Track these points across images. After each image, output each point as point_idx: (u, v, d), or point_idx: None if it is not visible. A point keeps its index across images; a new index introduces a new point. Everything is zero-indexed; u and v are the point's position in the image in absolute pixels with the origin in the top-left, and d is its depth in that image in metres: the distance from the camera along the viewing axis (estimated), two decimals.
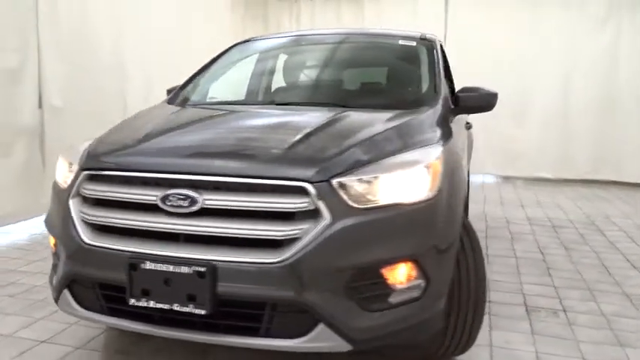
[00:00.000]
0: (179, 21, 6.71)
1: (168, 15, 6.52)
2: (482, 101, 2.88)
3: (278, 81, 3.28)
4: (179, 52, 6.36)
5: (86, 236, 1.95)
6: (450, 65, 3.87)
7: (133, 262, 1.82)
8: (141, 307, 1.84)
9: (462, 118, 3.60)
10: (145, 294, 1.83)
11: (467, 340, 2.25)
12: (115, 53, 5.57)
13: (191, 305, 1.78)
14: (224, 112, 2.72)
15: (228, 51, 3.44)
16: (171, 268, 1.78)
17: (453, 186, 2.14)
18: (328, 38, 3.51)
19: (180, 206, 1.82)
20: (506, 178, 8.16)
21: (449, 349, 2.26)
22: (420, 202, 1.91)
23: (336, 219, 1.77)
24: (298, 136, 2.04)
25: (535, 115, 7.99)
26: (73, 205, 2.02)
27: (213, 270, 1.76)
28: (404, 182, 1.91)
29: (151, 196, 1.87)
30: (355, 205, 1.80)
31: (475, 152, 7.78)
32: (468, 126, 4.57)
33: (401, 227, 1.87)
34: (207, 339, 1.84)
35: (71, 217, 2.00)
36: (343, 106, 2.56)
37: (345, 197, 1.80)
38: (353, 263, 1.78)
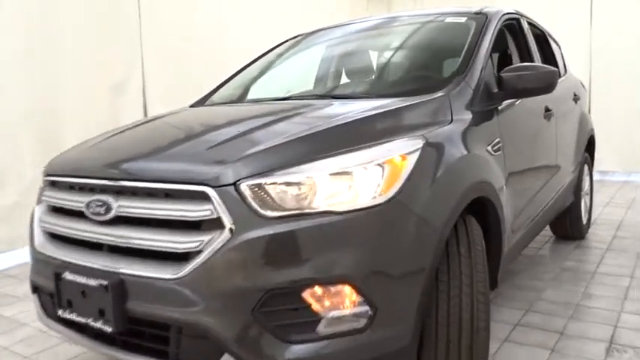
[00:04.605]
0: (294, 23, 6.74)
1: (280, 18, 6.57)
2: (536, 82, 2.32)
3: (292, 77, 3.04)
4: None
5: (38, 242, 1.93)
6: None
7: (58, 272, 1.75)
8: (68, 319, 1.76)
9: (558, 96, 3.02)
10: (70, 305, 1.74)
11: None
12: (214, 66, 5.76)
13: (101, 321, 1.64)
14: (204, 111, 2.53)
15: (271, 50, 3.29)
16: (84, 280, 1.66)
17: (437, 188, 1.70)
18: (366, 27, 3.14)
19: (99, 213, 1.69)
20: None
21: None
22: (361, 210, 1.54)
23: (242, 230, 1.48)
24: (233, 134, 1.79)
25: None
26: (37, 211, 2.02)
27: (119, 284, 1.60)
28: (340, 184, 1.56)
29: (79, 202, 1.78)
30: (268, 214, 1.50)
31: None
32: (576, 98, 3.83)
33: (331, 241, 1.51)
34: (121, 357, 1.68)
35: (32, 223, 2.01)
36: (341, 97, 2.28)
37: (254, 204, 1.50)
38: (261, 284, 1.48)
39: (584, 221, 4.18)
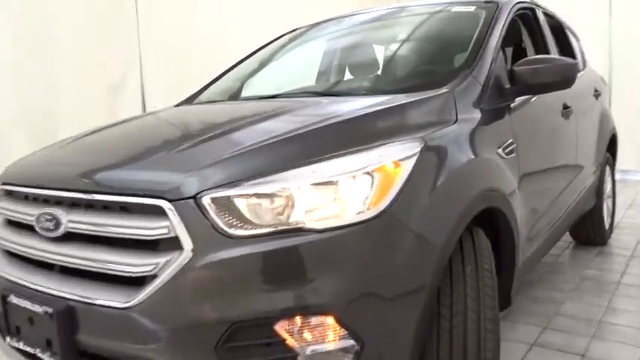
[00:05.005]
0: (294, 23, 6.51)
1: (280, 18, 6.35)
2: (553, 76, 2.06)
3: (288, 73, 2.81)
4: None
5: None
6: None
7: (4, 294, 1.54)
8: (16, 348, 1.55)
9: (577, 91, 2.76)
10: (18, 332, 1.53)
11: None
12: (214, 66, 5.55)
13: (48, 353, 1.43)
14: (185, 111, 2.31)
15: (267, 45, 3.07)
16: (29, 305, 1.45)
17: (437, 199, 1.46)
18: (367, 19, 2.89)
19: (48, 229, 1.48)
20: None
21: None
22: (346, 227, 1.30)
23: (203, 252, 1.26)
24: (203, 137, 1.56)
25: None
26: None
27: (66, 311, 1.38)
28: (322, 197, 1.33)
29: (30, 215, 1.57)
30: (235, 232, 1.27)
31: None
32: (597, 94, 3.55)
33: (309, 265, 1.28)
34: None
35: None
36: (335, 95, 2.06)
37: (218, 220, 1.28)
38: (225, 316, 1.25)
39: (607, 226, 3.90)
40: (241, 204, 1.29)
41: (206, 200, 1.28)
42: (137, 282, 1.33)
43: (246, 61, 3.03)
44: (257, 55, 3.02)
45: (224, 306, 1.25)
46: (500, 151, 1.87)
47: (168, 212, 1.28)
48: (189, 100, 2.73)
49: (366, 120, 1.57)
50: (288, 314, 1.26)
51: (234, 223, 1.28)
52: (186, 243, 1.26)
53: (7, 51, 3.88)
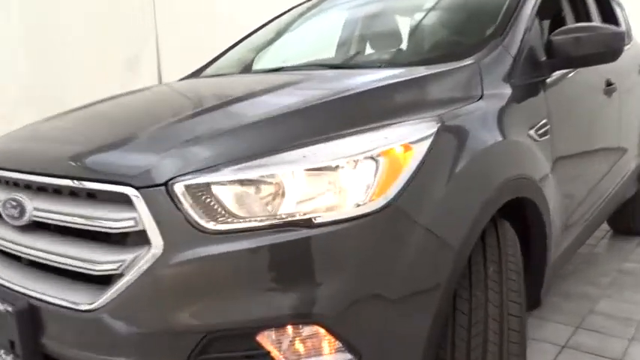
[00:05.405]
0: None
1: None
2: (597, 46, 1.80)
3: (301, 44, 2.60)
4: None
5: None
6: None
7: None
8: None
9: (621, 67, 2.45)
10: None
11: None
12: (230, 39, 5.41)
13: (11, 355, 1.28)
14: (184, 86, 2.11)
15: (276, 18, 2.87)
16: None
17: (455, 190, 1.25)
18: None
19: (13, 216, 1.32)
20: None
21: None
22: (343, 222, 1.10)
23: (174, 248, 1.08)
24: (186, 115, 1.38)
25: None
26: None
27: (26, 311, 1.23)
28: (317, 186, 1.13)
29: None
30: (212, 226, 1.09)
31: None
32: None
33: (297, 266, 1.09)
34: None
35: None
36: (345, 67, 1.86)
37: (192, 212, 1.09)
38: (200, 325, 1.07)
39: None
40: (221, 193, 1.10)
41: (179, 188, 1.10)
42: (105, 281, 1.16)
43: (261, 30, 2.83)
44: (273, 24, 2.82)
45: (198, 312, 1.08)
46: (532, 132, 1.63)
47: (135, 201, 1.10)
48: (197, 74, 2.55)
49: (373, 95, 1.36)
50: (272, 323, 1.08)
51: (212, 216, 1.09)
52: (155, 238, 1.08)
53: (11, 53, 3.77)
